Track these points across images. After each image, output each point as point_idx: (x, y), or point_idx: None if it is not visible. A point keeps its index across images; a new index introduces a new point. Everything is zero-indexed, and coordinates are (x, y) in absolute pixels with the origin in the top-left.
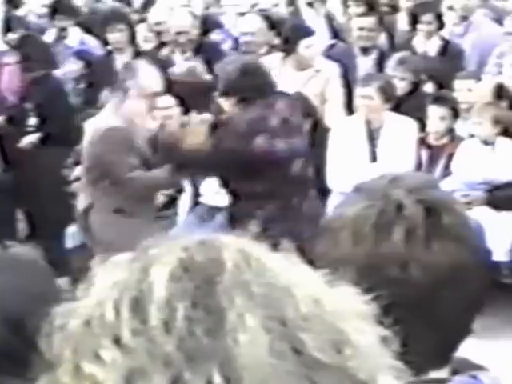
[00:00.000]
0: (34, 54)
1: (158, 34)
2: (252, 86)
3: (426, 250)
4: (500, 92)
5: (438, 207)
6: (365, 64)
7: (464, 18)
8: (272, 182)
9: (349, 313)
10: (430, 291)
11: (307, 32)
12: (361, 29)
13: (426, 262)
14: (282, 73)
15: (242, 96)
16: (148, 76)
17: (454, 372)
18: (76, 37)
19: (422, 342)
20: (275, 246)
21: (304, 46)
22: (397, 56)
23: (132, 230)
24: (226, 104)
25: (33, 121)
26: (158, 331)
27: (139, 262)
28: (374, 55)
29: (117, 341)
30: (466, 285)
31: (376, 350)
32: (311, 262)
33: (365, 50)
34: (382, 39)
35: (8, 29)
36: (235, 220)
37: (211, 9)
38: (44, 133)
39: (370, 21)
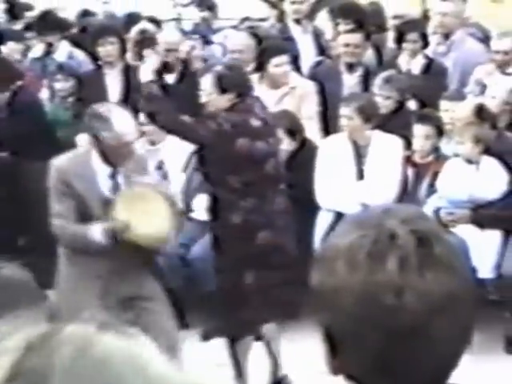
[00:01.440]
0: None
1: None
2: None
3: (419, 278)
4: (480, 113)
5: (430, 237)
6: (350, 81)
7: (446, 37)
8: (250, 177)
9: None
10: (424, 319)
11: (279, 50)
12: (347, 45)
13: (420, 289)
14: (258, 91)
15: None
16: (123, 124)
17: None
18: (64, 51)
19: (416, 369)
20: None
21: (273, 65)
22: (383, 75)
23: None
24: (223, 99)
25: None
26: None
27: None
28: (359, 72)
29: None
30: (458, 313)
31: None
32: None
33: (350, 67)
34: (370, 57)
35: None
36: (217, 215)
37: (204, 23)
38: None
39: (356, 37)
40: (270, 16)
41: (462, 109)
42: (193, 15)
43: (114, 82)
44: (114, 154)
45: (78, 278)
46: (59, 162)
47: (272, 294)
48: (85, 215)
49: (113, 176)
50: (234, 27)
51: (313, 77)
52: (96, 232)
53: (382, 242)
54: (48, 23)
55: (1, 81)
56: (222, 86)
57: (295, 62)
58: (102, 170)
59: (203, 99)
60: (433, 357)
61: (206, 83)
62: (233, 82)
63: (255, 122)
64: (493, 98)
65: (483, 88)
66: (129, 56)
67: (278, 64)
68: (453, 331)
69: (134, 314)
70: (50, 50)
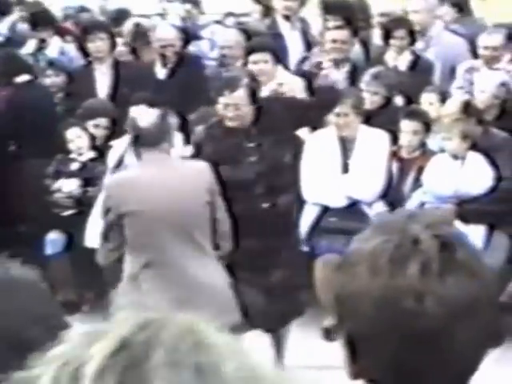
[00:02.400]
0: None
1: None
2: None
3: (440, 283)
4: (467, 109)
5: (453, 242)
6: (337, 77)
7: (423, 34)
8: None
9: None
10: (444, 324)
11: (259, 47)
12: (334, 41)
13: (440, 295)
14: None
15: None
16: None
17: None
18: (56, 46)
19: (436, 374)
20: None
21: (251, 62)
22: (371, 71)
23: None
24: None
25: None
26: None
27: (88, 336)
28: (346, 68)
29: None
30: (479, 317)
31: None
32: None
33: (336, 63)
34: (358, 53)
35: None
36: None
37: (190, 19)
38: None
39: (343, 33)
40: (253, 11)
41: (450, 105)
42: (178, 10)
43: (103, 77)
44: None
45: None
46: None
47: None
48: None
49: None
50: (218, 22)
51: (300, 71)
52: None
53: (404, 246)
54: (41, 19)
55: (8, 74)
56: None
57: (283, 59)
58: None
59: None
60: (453, 361)
61: None
62: None
63: None
64: (482, 92)
65: (471, 84)
66: (122, 51)
67: (256, 61)
68: (473, 336)
69: None
70: (42, 45)
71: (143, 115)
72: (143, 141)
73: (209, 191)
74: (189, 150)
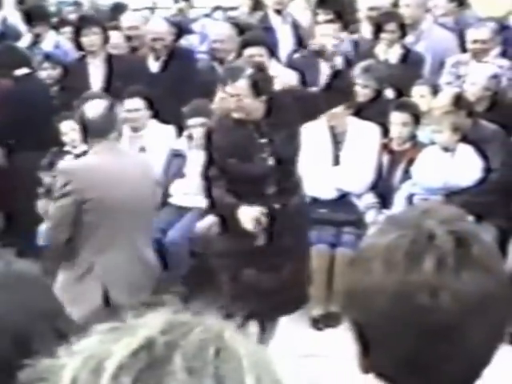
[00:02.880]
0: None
1: (129, 39)
2: None
3: (455, 278)
4: (458, 101)
5: (468, 238)
6: (327, 70)
7: (414, 28)
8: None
9: None
10: (458, 319)
11: (254, 41)
12: (324, 35)
13: (455, 290)
14: None
15: None
16: None
17: None
18: (51, 40)
19: (448, 368)
20: None
21: (247, 55)
22: (362, 64)
23: None
24: None
25: None
26: None
27: (115, 331)
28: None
29: None
30: (493, 313)
31: None
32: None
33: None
34: (348, 46)
35: None
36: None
37: (181, 12)
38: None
39: (333, 27)
40: (242, 4)
41: (441, 97)
42: (167, 4)
43: (96, 70)
44: None
45: None
46: None
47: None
48: None
49: None
50: (207, 16)
51: (290, 65)
52: None
53: (420, 242)
54: (36, 15)
55: (8, 67)
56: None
57: (273, 52)
58: None
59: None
60: (466, 356)
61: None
62: None
63: None
64: (472, 84)
65: (458, 78)
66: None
67: (252, 55)
68: (487, 331)
69: None
70: (37, 39)
71: (91, 107)
72: (92, 131)
73: (154, 181)
74: (182, 142)
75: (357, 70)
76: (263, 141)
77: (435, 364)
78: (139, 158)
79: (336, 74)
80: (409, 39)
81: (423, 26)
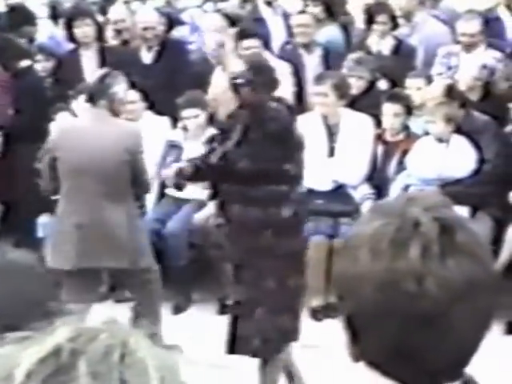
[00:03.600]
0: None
1: (119, 32)
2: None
3: (441, 265)
4: (451, 92)
5: (453, 225)
6: (311, 62)
7: (408, 20)
8: None
9: None
10: (444, 306)
11: (250, 33)
12: (298, 25)
13: (441, 277)
14: None
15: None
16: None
17: None
18: (46, 31)
19: (436, 356)
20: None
21: (244, 47)
22: (352, 56)
23: None
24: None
25: None
26: None
27: (26, 341)
28: (318, 52)
29: None
30: (479, 300)
31: None
32: None
33: (306, 47)
34: (338, 38)
35: None
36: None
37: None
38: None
39: (305, 18)
40: None
41: (434, 88)
42: None
43: (89, 62)
44: None
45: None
46: None
47: None
48: None
49: None
50: (199, 7)
51: (282, 57)
52: None
53: (405, 229)
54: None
55: (7, 59)
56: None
57: (266, 44)
58: None
59: None
60: (453, 343)
61: None
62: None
63: None
64: (463, 74)
65: (449, 69)
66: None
67: (248, 47)
68: (473, 318)
69: (130, 285)
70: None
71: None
72: (85, 97)
73: (128, 151)
74: (178, 133)
75: (348, 62)
76: None
77: (423, 351)
78: (122, 127)
79: None
80: (403, 31)
81: (417, 17)
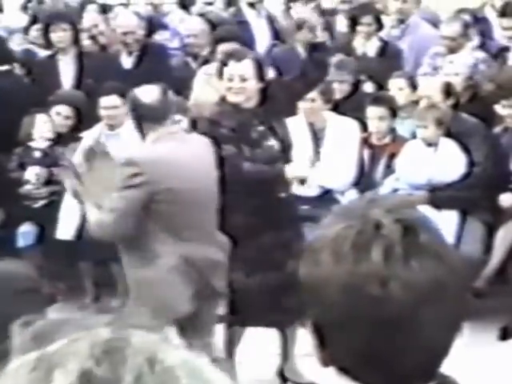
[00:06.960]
0: None
1: (93, 38)
2: None
3: (404, 267)
4: (448, 89)
5: (415, 226)
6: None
7: (401, 21)
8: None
9: None
10: (410, 308)
11: (228, 36)
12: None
13: (405, 279)
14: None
15: None
16: None
17: None
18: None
19: (405, 359)
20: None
21: (221, 51)
22: (333, 60)
23: None
24: None
25: None
26: None
27: (40, 369)
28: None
29: None
30: (446, 301)
31: None
32: None
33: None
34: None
35: None
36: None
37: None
38: None
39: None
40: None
41: (430, 87)
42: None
43: (67, 68)
44: None
45: None
46: None
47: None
48: None
49: None
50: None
51: (271, 60)
52: None
53: (367, 232)
54: None
55: None
56: None
57: (250, 47)
58: None
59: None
60: (421, 346)
61: None
62: None
63: None
64: (456, 75)
65: (435, 69)
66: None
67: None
68: (441, 320)
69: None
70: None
71: (144, 92)
72: (148, 118)
73: (215, 165)
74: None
75: (331, 66)
76: (262, 128)
77: (391, 355)
78: (202, 142)
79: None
80: (394, 32)
81: (410, 20)
